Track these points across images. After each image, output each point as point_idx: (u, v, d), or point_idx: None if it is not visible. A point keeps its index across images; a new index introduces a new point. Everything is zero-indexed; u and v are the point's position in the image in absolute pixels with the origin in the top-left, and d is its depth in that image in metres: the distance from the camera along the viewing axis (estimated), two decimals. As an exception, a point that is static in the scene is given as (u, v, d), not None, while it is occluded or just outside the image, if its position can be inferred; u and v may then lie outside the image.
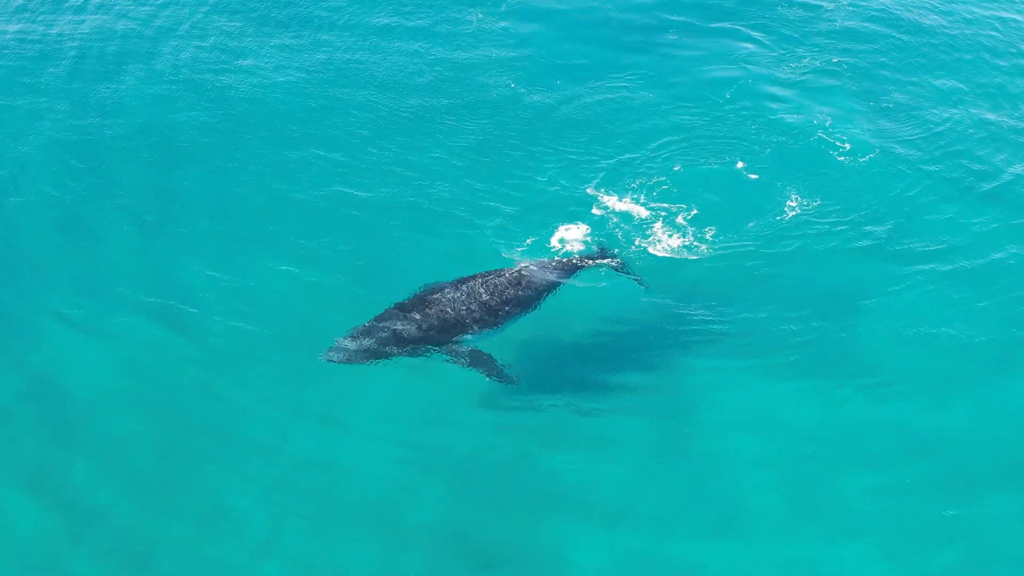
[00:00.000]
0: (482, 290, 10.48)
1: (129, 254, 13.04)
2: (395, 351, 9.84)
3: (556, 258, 12.25)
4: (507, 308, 10.42)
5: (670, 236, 13.49)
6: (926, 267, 13.15)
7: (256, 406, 10.80)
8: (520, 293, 10.60)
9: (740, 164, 14.92)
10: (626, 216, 13.85)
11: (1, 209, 13.86)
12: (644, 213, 13.87)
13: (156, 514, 10.03)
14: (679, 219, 13.77)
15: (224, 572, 9.71)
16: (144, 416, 10.86)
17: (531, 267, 11.23)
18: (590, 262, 12.44)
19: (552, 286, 11.44)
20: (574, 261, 12.22)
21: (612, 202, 14.10)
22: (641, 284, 12.42)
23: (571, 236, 13.29)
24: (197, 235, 13.30)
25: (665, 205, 14.02)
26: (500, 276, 10.76)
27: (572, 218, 13.66)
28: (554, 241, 13.19)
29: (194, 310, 12.06)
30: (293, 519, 9.98)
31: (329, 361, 9.86)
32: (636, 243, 13.34)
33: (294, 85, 16.31)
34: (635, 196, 14.21)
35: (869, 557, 9.89)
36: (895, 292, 12.78)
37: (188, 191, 14.16)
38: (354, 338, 9.88)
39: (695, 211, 13.85)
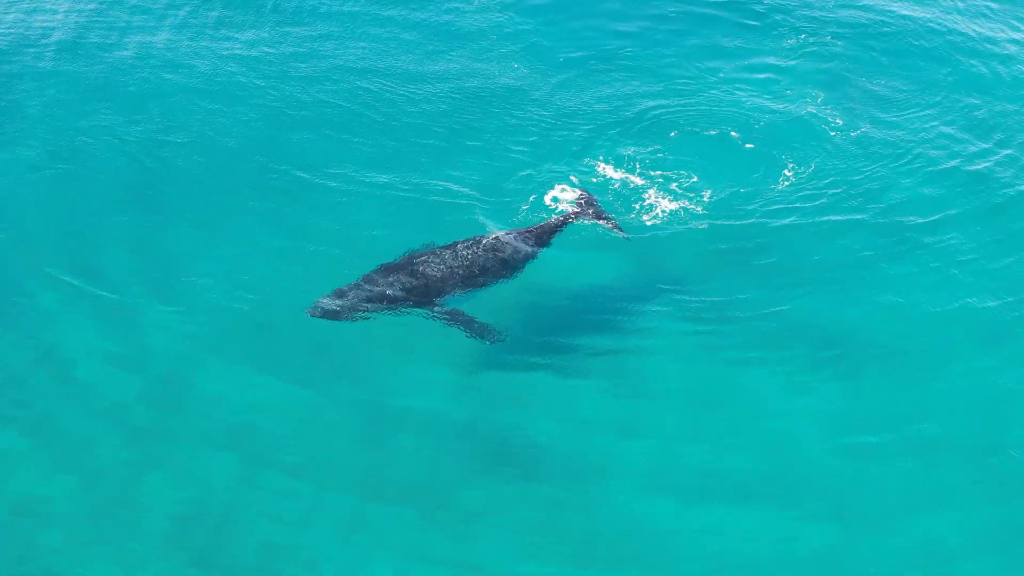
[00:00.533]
0: (464, 255, 10.81)
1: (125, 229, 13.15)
2: (376, 308, 10.12)
3: (537, 225, 12.40)
4: (486, 273, 10.77)
5: (665, 202, 13.70)
6: (912, 238, 13.41)
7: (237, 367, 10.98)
8: (499, 258, 10.92)
9: (734, 134, 15.19)
10: (622, 183, 14.09)
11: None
12: (639, 181, 14.10)
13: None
14: (673, 186, 13.99)
15: (211, 518, 9.87)
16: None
17: (509, 235, 11.52)
18: (573, 219, 12.60)
19: (531, 254, 11.72)
20: (554, 221, 12.36)
21: (607, 170, 14.33)
22: (624, 235, 12.58)
23: (565, 197, 13.51)
24: (192, 208, 13.41)
25: (660, 172, 14.26)
26: (479, 243, 11.06)
27: (567, 182, 13.93)
28: (547, 200, 13.44)
29: (194, 278, 12.23)
30: (268, 471, 10.16)
31: (313, 316, 10.09)
32: (634, 209, 13.56)
33: (277, 65, 16.46)
34: (630, 165, 14.44)
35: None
36: (881, 262, 13.01)
37: (179, 166, 14.22)
38: (337, 296, 10.18)
39: (695, 178, 14.13)
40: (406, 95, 15.82)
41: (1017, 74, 16.93)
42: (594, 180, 14.14)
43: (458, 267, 10.64)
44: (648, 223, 13.36)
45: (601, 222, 12.81)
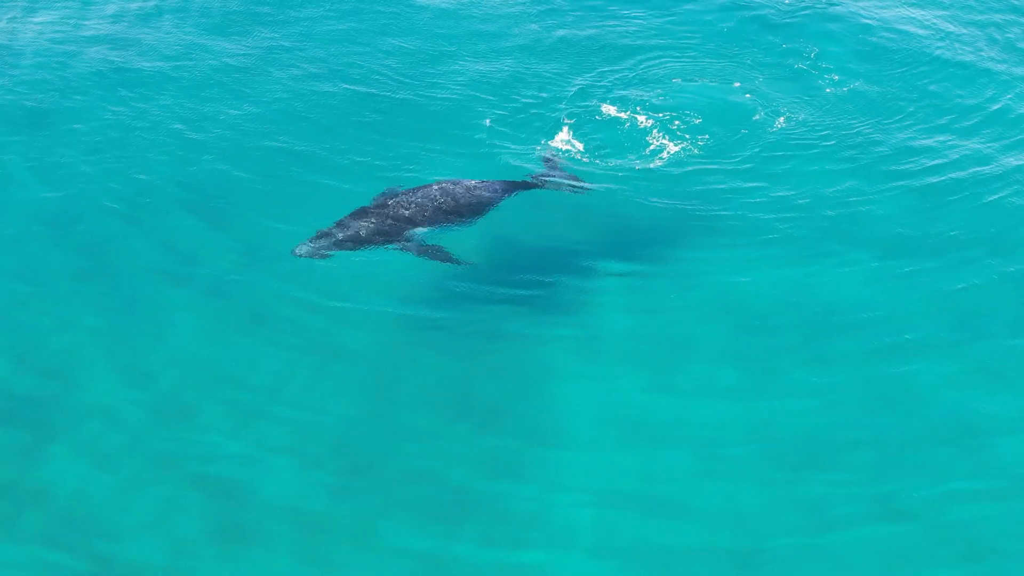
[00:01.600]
0: (436, 194, 11.93)
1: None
2: (352, 246, 11.30)
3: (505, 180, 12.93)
4: (452, 213, 11.85)
5: (666, 142, 14.21)
6: (901, 183, 13.90)
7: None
8: (462, 201, 11.97)
9: (736, 84, 15.77)
10: (624, 123, 14.63)
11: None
12: (646, 121, 14.63)
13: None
14: (674, 125, 14.52)
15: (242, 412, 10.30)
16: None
17: (472, 182, 12.35)
18: (539, 182, 13.00)
19: (492, 199, 12.36)
20: (517, 183, 12.88)
21: (612, 111, 14.90)
22: (581, 191, 13.04)
23: (558, 139, 14.23)
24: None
25: (662, 115, 14.81)
26: (457, 183, 12.16)
27: (568, 125, 14.58)
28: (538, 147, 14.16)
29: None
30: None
31: (298, 256, 11.23)
32: (636, 151, 14.07)
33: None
34: (633, 106, 14.94)
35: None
36: (871, 200, 13.52)
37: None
38: (317, 237, 11.33)
39: (698, 120, 14.72)
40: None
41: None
42: (597, 118, 14.61)
43: (428, 205, 11.74)
44: (653, 165, 13.83)
45: (570, 182, 13.22)
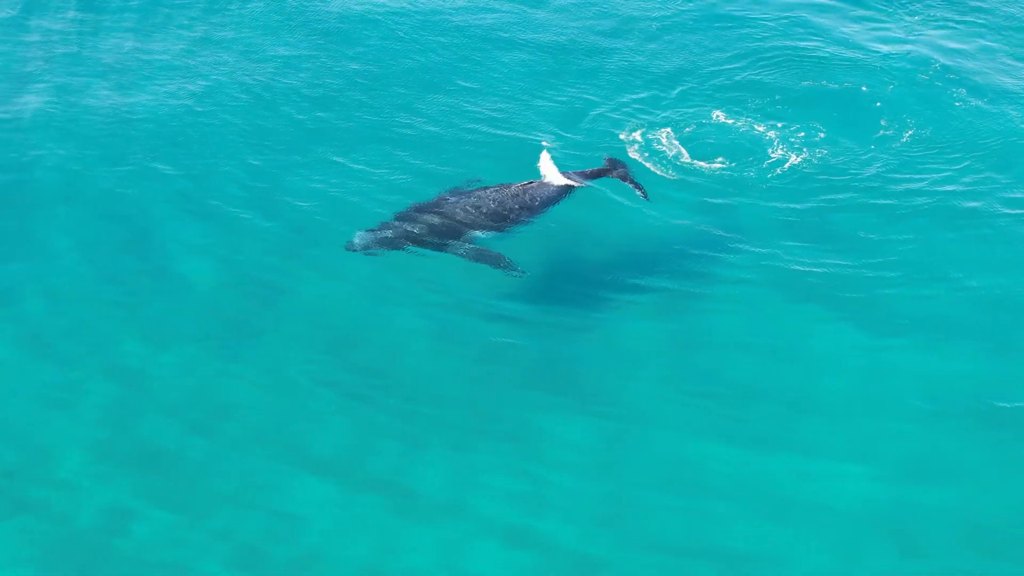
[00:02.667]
0: (491, 198, 11.54)
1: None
2: (406, 243, 11.09)
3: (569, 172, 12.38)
4: (513, 215, 11.52)
5: (783, 152, 13.41)
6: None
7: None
8: (526, 203, 11.60)
9: (864, 88, 14.84)
10: (746, 130, 13.85)
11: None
12: (763, 130, 13.82)
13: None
14: (800, 135, 13.72)
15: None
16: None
17: (534, 184, 11.92)
18: (586, 182, 12.39)
19: (554, 199, 11.95)
20: (575, 178, 12.31)
21: (722, 116, 14.14)
22: (643, 195, 12.41)
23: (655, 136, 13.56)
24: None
25: (782, 123, 13.96)
26: (509, 188, 11.74)
27: (663, 124, 13.90)
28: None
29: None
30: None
31: (350, 250, 11.01)
32: (763, 158, 13.34)
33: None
34: (746, 112, 14.20)
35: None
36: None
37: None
38: (371, 232, 11.14)
39: (822, 133, 13.85)
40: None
41: None
42: (704, 122, 13.91)
43: (484, 209, 11.42)
44: (769, 176, 13.08)
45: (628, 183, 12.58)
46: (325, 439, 9.72)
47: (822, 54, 15.70)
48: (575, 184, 12.03)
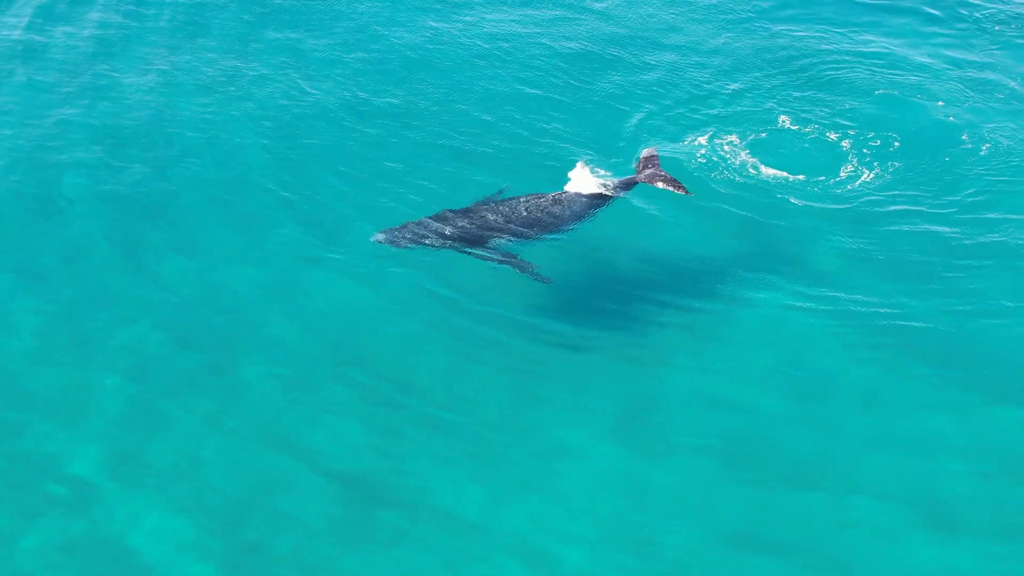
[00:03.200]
0: (523, 207, 11.49)
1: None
2: (433, 242, 11.18)
3: (602, 180, 11.89)
4: (543, 224, 11.47)
5: (855, 165, 12.45)
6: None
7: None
8: (557, 212, 11.55)
9: (940, 103, 13.84)
10: (807, 136, 12.91)
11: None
12: (833, 137, 12.90)
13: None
14: (864, 146, 12.77)
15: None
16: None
17: (569, 193, 11.77)
18: (620, 193, 11.82)
19: (586, 210, 11.66)
20: (608, 186, 11.82)
21: (787, 122, 13.29)
22: (685, 191, 11.69)
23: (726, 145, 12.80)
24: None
25: (852, 132, 13.06)
26: (542, 197, 11.64)
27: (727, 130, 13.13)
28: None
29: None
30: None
31: (376, 242, 11.14)
32: (838, 171, 12.49)
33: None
34: (815, 119, 13.24)
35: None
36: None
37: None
38: (400, 228, 11.29)
39: (896, 143, 12.95)
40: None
41: None
42: (769, 128, 13.05)
43: (515, 216, 11.45)
44: (838, 192, 12.15)
45: (665, 186, 11.84)
46: (343, 446, 9.44)
47: (892, 67, 14.80)
48: (608, 195, 11.68)
